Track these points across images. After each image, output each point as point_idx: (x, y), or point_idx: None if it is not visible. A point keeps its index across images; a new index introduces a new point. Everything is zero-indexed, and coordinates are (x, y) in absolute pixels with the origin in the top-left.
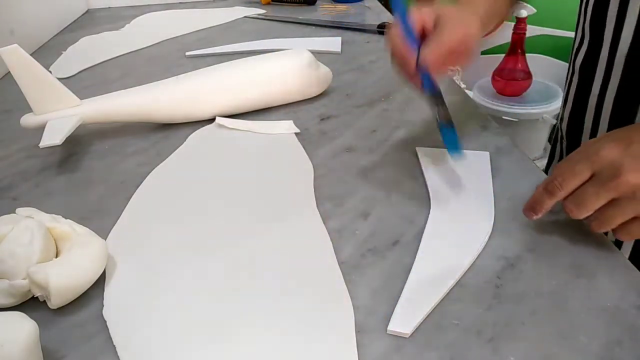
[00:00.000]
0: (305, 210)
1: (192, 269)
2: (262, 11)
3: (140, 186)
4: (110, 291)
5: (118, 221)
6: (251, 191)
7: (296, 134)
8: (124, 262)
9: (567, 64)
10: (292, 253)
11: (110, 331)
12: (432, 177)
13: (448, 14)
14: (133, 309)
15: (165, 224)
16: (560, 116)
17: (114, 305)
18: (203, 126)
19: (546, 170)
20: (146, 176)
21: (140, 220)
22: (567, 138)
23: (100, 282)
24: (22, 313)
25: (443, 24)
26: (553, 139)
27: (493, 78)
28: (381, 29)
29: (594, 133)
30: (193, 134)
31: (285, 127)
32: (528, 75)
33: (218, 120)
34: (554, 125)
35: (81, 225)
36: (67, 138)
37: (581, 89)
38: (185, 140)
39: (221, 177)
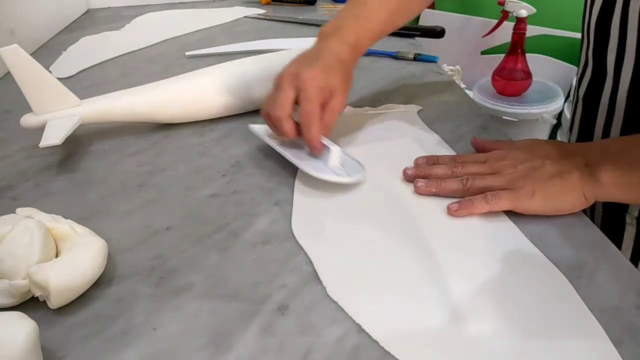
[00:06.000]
0: None
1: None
2: (262, 11)
3: (298, 177)
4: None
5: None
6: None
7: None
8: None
9: (567, 64)
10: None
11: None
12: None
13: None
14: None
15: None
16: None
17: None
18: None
19: None
20: (146, 176)
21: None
22: None
23: (100, 282)
24: (22, 313)
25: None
26: None
27: (493, 78)
28: None
29: None
30: None
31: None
32: (528, 75)
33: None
34: (554, 126)
35: (81, 225)
36: (67, 138)
37: (586, 120)
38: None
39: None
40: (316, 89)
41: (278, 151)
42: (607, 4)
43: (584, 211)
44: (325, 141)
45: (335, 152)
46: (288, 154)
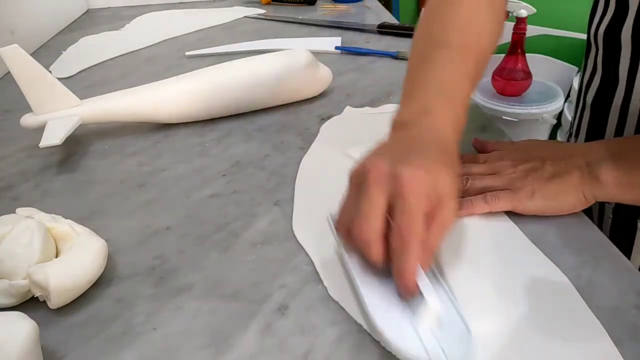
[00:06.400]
0: None
1: None
2: (262, 11)
3: (298, 177)
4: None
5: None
6: None
7: (298, 134)
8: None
9: (567, 64)
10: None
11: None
12: None
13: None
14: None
15: None
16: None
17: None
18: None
19: None
20: (146, 176)
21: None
22: None
23: (100, 282)
24: (22, 313)
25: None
26: None
27: (493, 78)
28: (381, 29)
29: None
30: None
31: None
32: (528, 75)
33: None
34: (554, 126)
35: (81, 225)
36: (67, 138)
37: (594, 126)
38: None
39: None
40: (421, 196)
41: (350, 274)
42: (619, 13)
43: (590, 216)
44: (422, 282)
45: (431, 310)
46: (363, 288)
